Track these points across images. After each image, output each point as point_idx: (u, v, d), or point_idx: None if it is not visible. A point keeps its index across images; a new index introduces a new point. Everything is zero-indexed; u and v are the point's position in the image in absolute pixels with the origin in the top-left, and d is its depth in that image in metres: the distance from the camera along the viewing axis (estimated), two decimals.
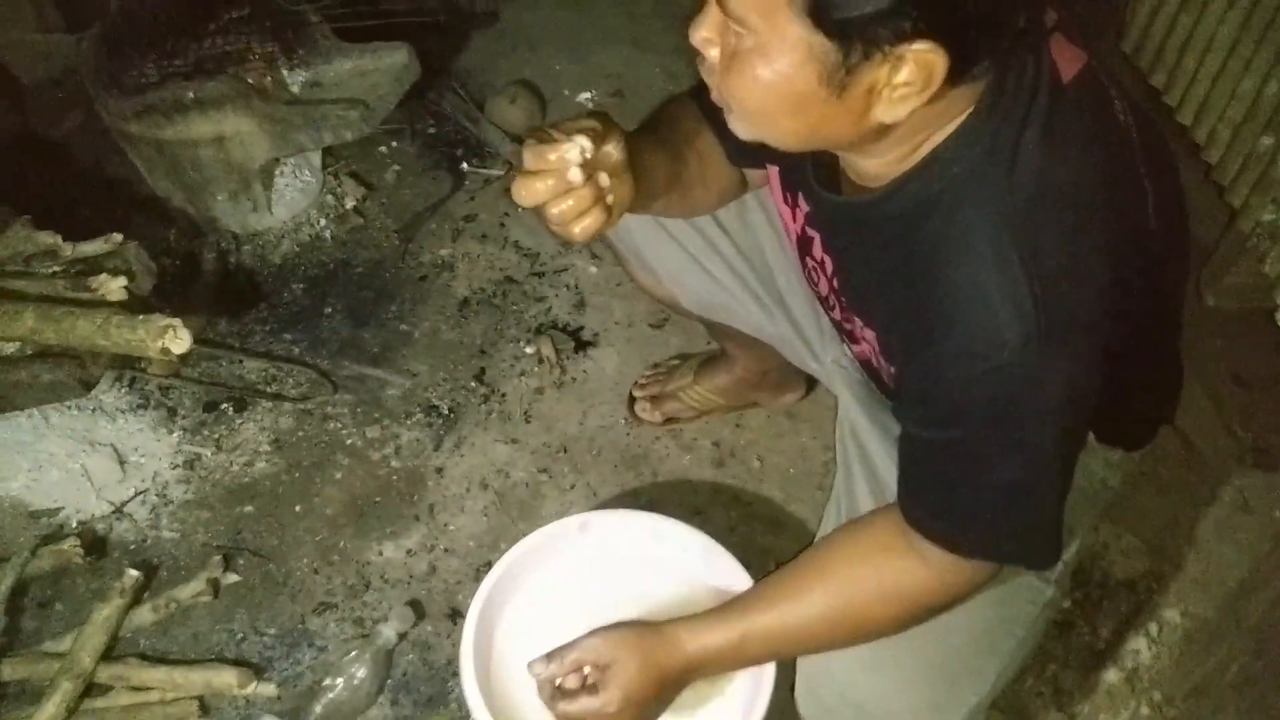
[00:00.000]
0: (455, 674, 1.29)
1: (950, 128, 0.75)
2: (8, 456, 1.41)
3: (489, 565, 1.13)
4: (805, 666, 1.00)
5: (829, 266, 0.96)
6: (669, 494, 1.49)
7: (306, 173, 1.79)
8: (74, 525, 1.41)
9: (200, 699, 1.25)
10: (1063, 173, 0.75)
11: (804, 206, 0.96)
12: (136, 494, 1.45)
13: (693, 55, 0.79)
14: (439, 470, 1.51)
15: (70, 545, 1.33)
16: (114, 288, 1.28)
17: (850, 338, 1.02)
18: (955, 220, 0.76)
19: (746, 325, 1.27)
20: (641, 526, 1.18)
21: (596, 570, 1.16)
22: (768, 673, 1.04)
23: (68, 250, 1.33)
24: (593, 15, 2.28)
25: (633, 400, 1.58)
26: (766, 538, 1.45)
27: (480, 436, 1.55)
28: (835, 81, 0.70)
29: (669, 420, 1.56)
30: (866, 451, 1.09)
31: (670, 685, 0.95)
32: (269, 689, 1.26)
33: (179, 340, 1.20)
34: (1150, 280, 0.85)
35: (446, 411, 1.58)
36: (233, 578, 1.37)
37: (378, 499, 1.48)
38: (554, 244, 1.81)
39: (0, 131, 1.84)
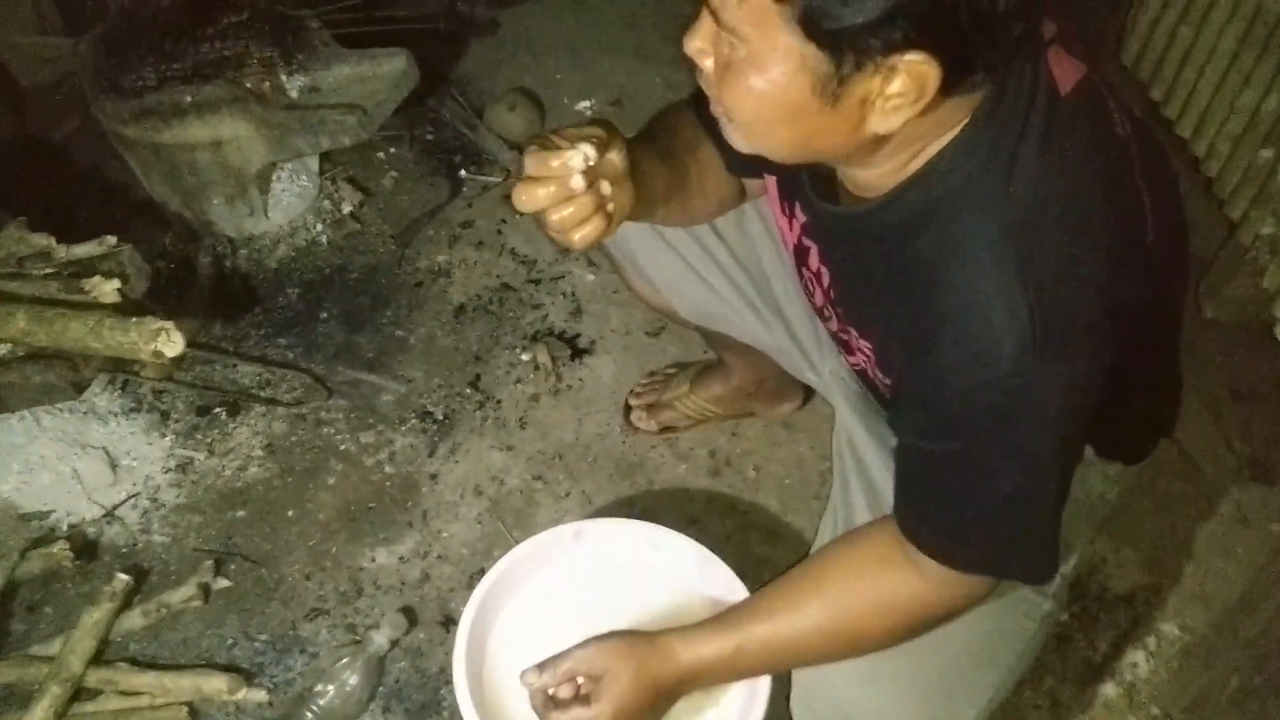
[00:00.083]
0: (448, 682, 1.28)
1: (947, 138, 0.75)
2: None
3: (483, 573, 1.12)
4: (801, 679, 1.00)
5: (825, 278, 0.96)
6: (665, 503, 1.48)
7: (304, 178, 1.79)
8: (64, 528, 1.40)
9: (190, 704, 1.24)
10: (1060, 183, 0.75)
11: (801, 217, 0.96)
12: (128, 497, 1.44)
13: (692, 65, 0.78)
14: (433, 477, 1.51)
15: (60, 548, 1.32)
16: (107, 290, 1.27)
17: (846, 349, 1.01)
18: (952, 230, 0.75)
19: (743, 335, 1.26)
20: (636, 535, 1.18)
21: (590, 579, 1.15)
22: (763, 684, 1.03)
23: (61, 252, 1.33)
24: (593, 24, 2.28)
25: (629, 409, 1.58)
26: (762, 547, 1.44)
27: (475, 443, 1.54)
28: (828, 92, 0.70)
29: (665, 429, 1.55)
30: (863, 462, 1.08)
31: (664, 696, 0.95)
32: (259, 695, 1.25)
33: (171, 343, 1.20)
34: (1149, 292, 0.84)
35: (441, 418, 1.57)
36: (224, 583, 1.36)
37: (371, 505, 1.47)
38: (551, 251, 1.81)
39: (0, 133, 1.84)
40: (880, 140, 0.74)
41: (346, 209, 1.84)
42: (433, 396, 1.60)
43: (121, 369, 1.49)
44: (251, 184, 1.70)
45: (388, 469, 1.51)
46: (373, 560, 1.41)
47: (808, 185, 0.89)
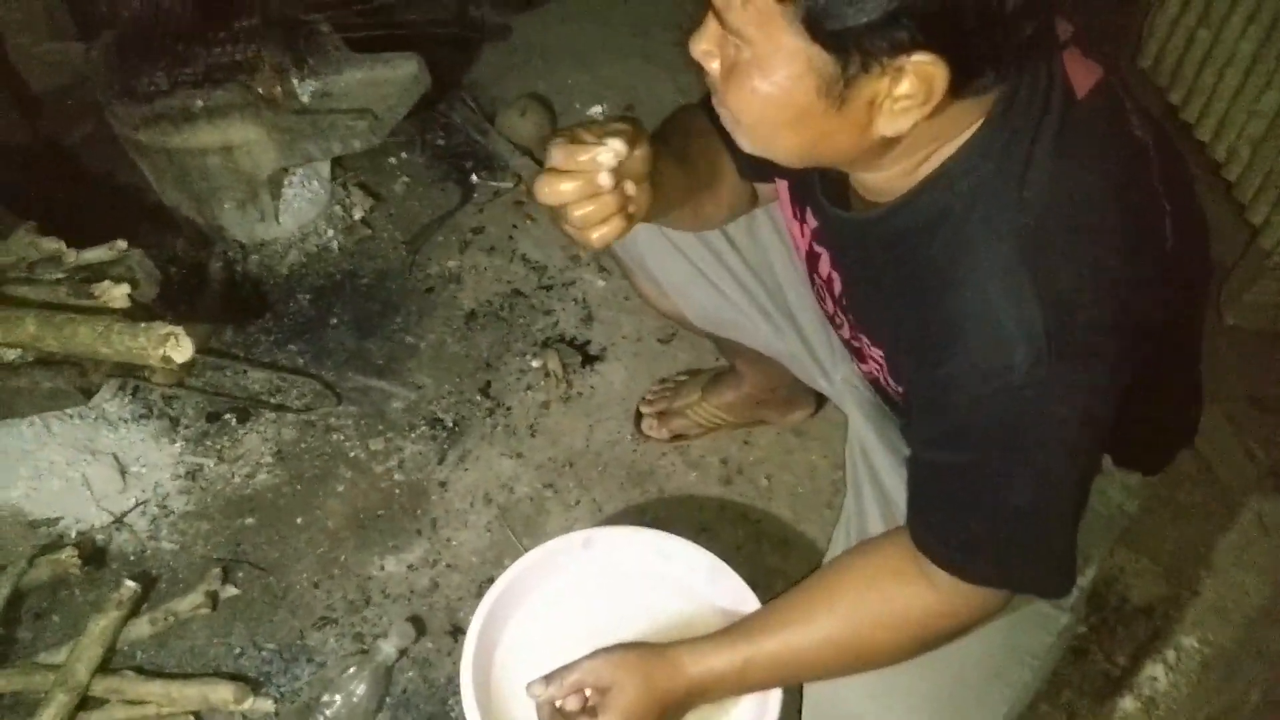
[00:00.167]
0: (456, 692, 1.27)
1: (959, 141, 0.74)
2: (8, 464, 1.40)
3: (491, 581, 1.11)
4: (812, 693, 0.98)
5: (837, 284, 0.95)
6: (675, 511, 1.47)
7: (315, 183, 1.79)
8: (73, 535, 1.40)
9: (196, 714, 1.23)
10: (1075, 188, 0.73)
11: (812, 222, 0.95)
12: (137, 504, 1.44)
13: (700, 68, 0.77)
14: (442, 484, 1.50)
15: (68, 555, 1.32)
16: (117, 295, 1.27)
17: (859, 356, 1.00)
18: (963, 236, 0.74)
19: (754, 341, 1.25)
20: (646, 544, 1.16)
21: (600, 588, 1.14)
22: (774, 698, 1.01)
23: (71, 257, 1.33)
24: (604, 29, 2.28)
25: (639, 416, 1.56)
26: (774, 557, 1.42)
27: (485, 450, 1.54)
28: (834, 94, 0.69)
29: (676, 437, 1.54)
30: (877, 472, 1.06)
31: (671, 710, 0.93)
32: (266, 705, 1.24)
33: (180, 348, 1.19)
34: (1168, 299, 0.82)
35: (451, 425, 1.56)
36: (232, 591, 1.35)
37: (380, 512, 1.46)
38: (562, 257, 1.80)
39: (12, 139, 1.85)
40: (889, 143, 0.73)
41: (358, 214, 1.84)
42: (443, 403, 1.59)
43: (132, 375, 1.49)
44: (263, 189, 1.69)
45: (397, 476, 1.50)
46: (381, 568, 1.40)
47: (819, 190, 0.88)
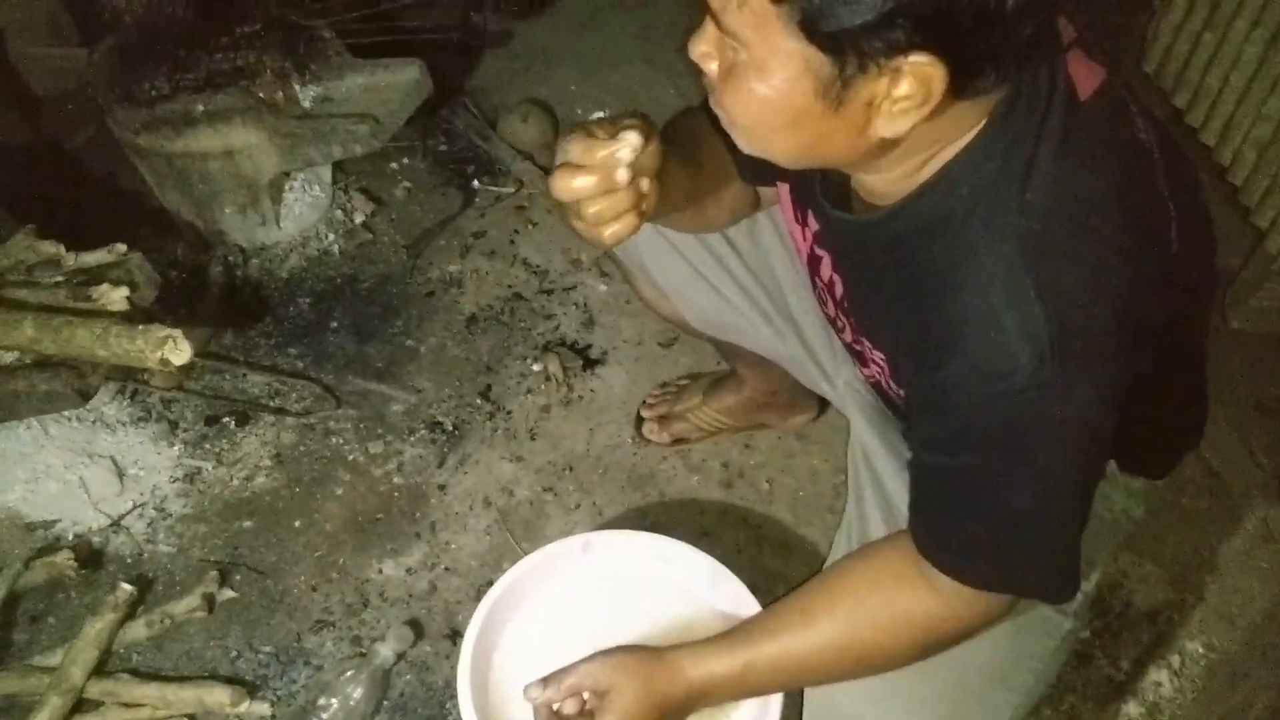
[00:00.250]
0: (454, 696, 1.25)
1: (960, 144, 0.73)
2: (5, 467, 1.39)
3: (491, 585, 1.10)
4: (812, 698, 0.97)
5: (838, 287, 0.94)
6: (676, 515, 1.46)
7: (316, 188, 1.79)
8: (70, 538, 1.39)
9: (192, 717, 1.22)
10: (1079, 191, 0.72)
11: (813, 225, 0.94)
12: (134, 507, 1.43)
13: (699, 72, 0.77)
14: (442, 488, 1.49)
15: (64, 558, 1.31)
16: (115, 298, 1.27)
17: (860, 360, 0.99)
18: (965, 239, 0.73)
19: (756, 345, 1.24)
20: (646, 547, 1.16)
21: (599, 592, 1.14)
22: (774, 702, 1.00)
23: (70, 260, 1.33)
24: (606, 35, 2.28)
25: (640, 420, 1.56)
26: (775, 561, 1.41)
27: (485, 454, 1.53)
28: (831, 95, 0.68)
29: (677, 441, 1.53)
30: (879, 475, 1.06)
31: (670, 714, 0.92)
32: (262, 708, 1.23)
33: (179, 351, 1.19)
34: (1173, 303, 0.81)
35: (451, 428, 1.56)
36: (229, 594, 1.35)
37: (379, 516, 1.45)
38: (563, 261, 1.79)
39: (14, 144, 1.85)
40: (888, 144, 0.72)
41: (359, 219, 1.84)
42: (443, 407, 1.58)
43: (131, 378, 1.48)
44: (263, 193, 1.69)
45: (396, 480, 1.49)
46: (379, 572, 1.40)
47: (820, 192, 0.88)
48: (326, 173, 1.79)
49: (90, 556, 1.37)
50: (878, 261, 0.83)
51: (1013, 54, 0.67)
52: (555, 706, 0.93)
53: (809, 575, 0.95)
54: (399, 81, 1.69)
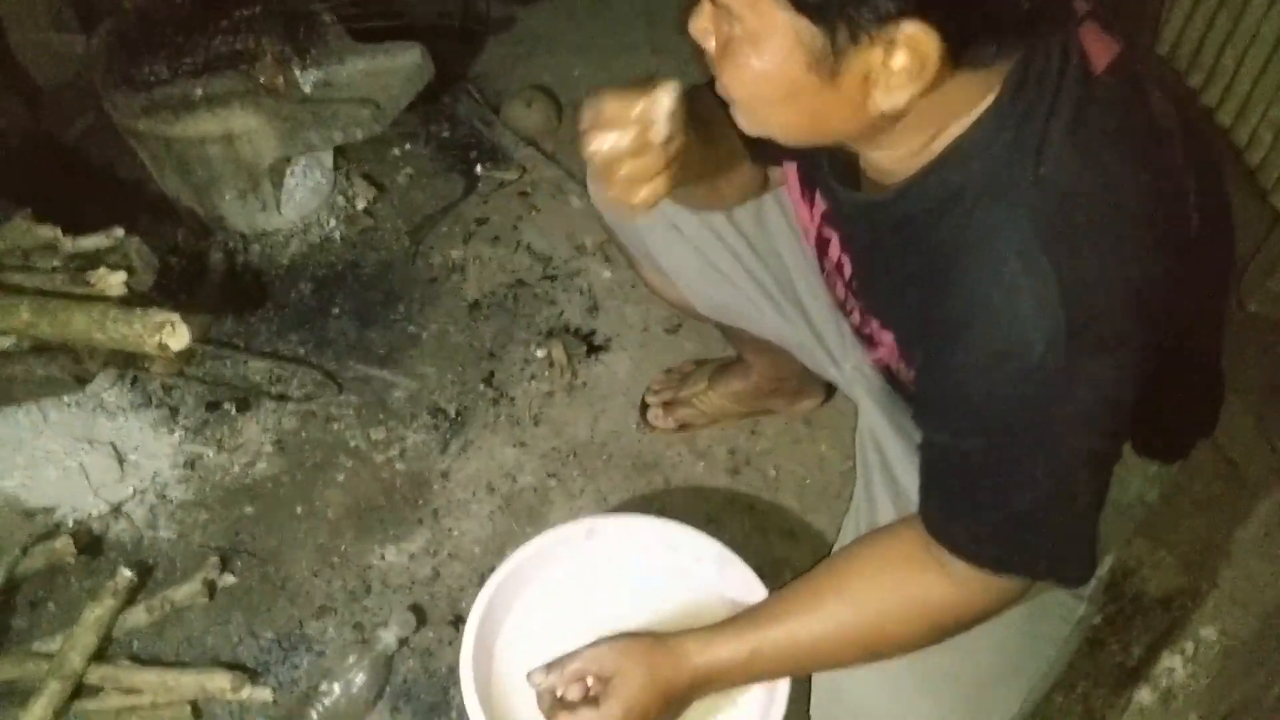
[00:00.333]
0: (457, 682, 1.24)
1: (969, 119, 0.71)
2: (4, 453, 1.38)
3: (494, 571, 1.08)
4: (820, 684, 0.96)
5: (846, 269, 0.92)
6: (681, 502, 1.45)
7: (317, 173, 1.77)
8: (70, 524, 1.38)
9: (193, 703, 1.21)
10: (1094, 166, 0.70)
11: (821, 205, 0.93)
12: (134, 493, 1.42)
13: (700, 50, 0.76)
14: (444, 474, 1.48)
15: (63, 544, 1.30)
16: (113, 282, 1.26)
17: (870, 343, 0.97)
18: (976, 217, 0.71)
19: (762, 329, 1.22)
20: (651, 532, 1.14)
21: (603, 577, 1.12)
22: (781, 687, 0.99)
23: (68, 244, 1.32)
24: (610, 21, 2.25)
25: (645, 406, 1.54)
26: (782, 548, 1.40)
27: (488, 440, 1.51)
28: (825, 68, 0.67)
29: (682, 427, 1.52)
30: (888, 459, 1.04)
31: (676, 700, 0.91)
32: (264, 694, 1.22)
33: (177, 336, 1.18)
34: (1191, 281, 0.79)
35: (454, 414, 1.54)
36: (230, 580, 1.34)
37: (381, 502, 1.44)
38: (567, 248, 1.78)
39: (14, 131, 1.84)
40: (890, 119, 0.71)
41: (360, 205, 1.82)
42: (445, 393, 1.57)
43: (132, 365, 1.47)
44: (264, 178, 1.68)
45: (398, 466, 1.48)
46: (382, 558, 1.38)
47: (827, 171, 0.86)
48: (328, 158, 1.78)
49: (90, 543, 1.36)
50: (887, 242, 0.82)
51: (1013, 24, 0.66)
52: (559, 692, 0.92)
53: (816, 562, 0.93)
54: (400, 66, 1.67)
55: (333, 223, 1.79)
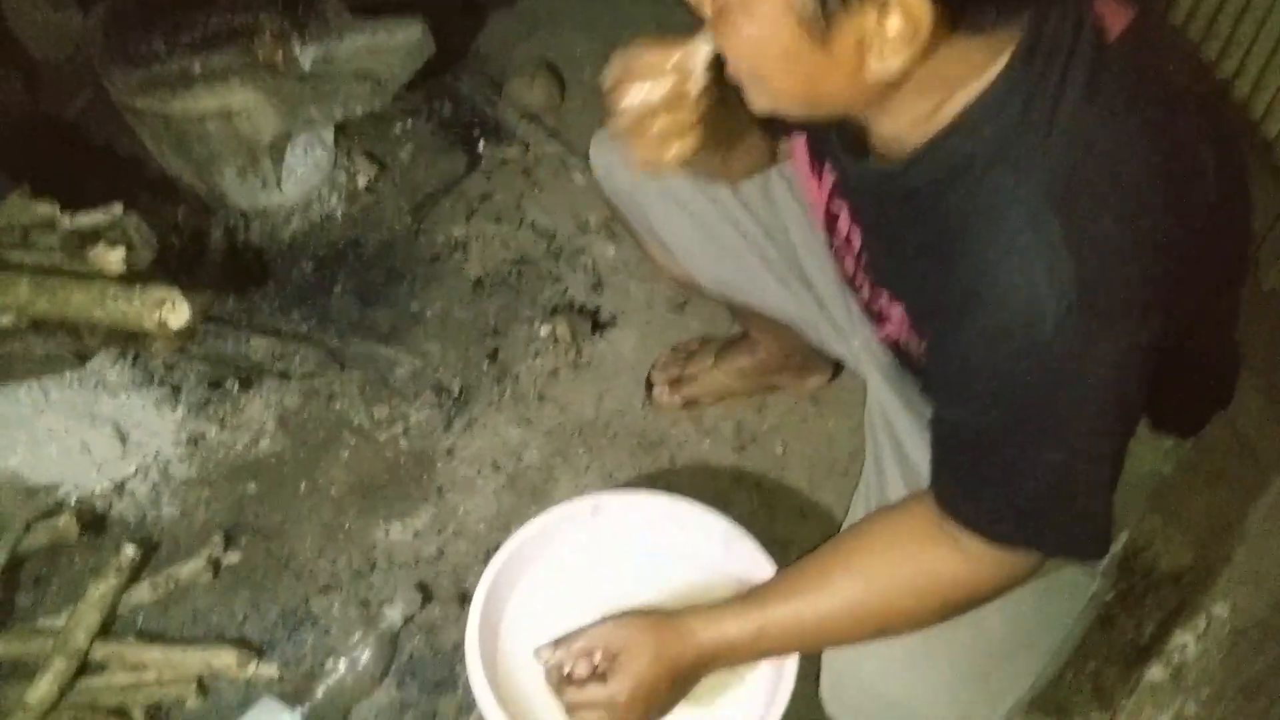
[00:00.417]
0: (463, 659, 1.23)
1: (978, 87, 0.69)
2: (6, 431, 1.38)
3: (499, 548, 1.08)
4: (830, 661, 0.95)
5: (856, 242, 0.91)
6: (688, 480, 1.44)
7: (318, 150, 1.75)
8: (73, 502, 1.37)
9: (199, 679, 1.21)
10: (1108, 134, 0.68)
11: (830, 177, 0.91)
12: (137, 471, 1.41)
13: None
14: (449, 451, 1.47)
15: (65, 521, 1.30)
16: (112, 259, 1.24)
17: (879, 318, 0.96)
18: (986, 185, 0.70)
19: (768, 306, 1.21)
20: (658, 509, 1.13)
21: (609, 554, 1.11)
22: (789, 665, 0.98)
23: (66, 221, 1.30)
24: None
25: (650, 384, 1.53)
26: (789, 527, 1.39)
27: (492, 418, 1.50)
28: (816, 31, 0.65)
29: (688, 404, 1.51)
30: (898, 435, 1.03)
31: (683, 677, 0.90)
32: (270, 670, 1.22)
33: (176, 313, 1.17)
34: (1206, 253, 0.77)
35: (457, 392, 1.53)
36: (234, 557, 1.33)
37: (385, 480, 1.44)
38: (571, 224, 1.76)
39: (12, 109, 1.82)
40: (889, 86, 0.69)
41: (362, 182, 1.80)
42: (449, 370, 1.56)
43: (133, 344, 1.46)
44: (264, 155, 1.66)
45: (402, 443, 1.47)
46: (386, 535, 1.38)
47: (836, 142, 0.84)
48: (328, 135, 1.76)
49: (93, 520, 1.36)
50: (896, 213, 0.80)
51: None
52: (567, 668, 0.91)
53: (823, 540, 0.92)
54: (401, 41, 1.65)
55: (334, 200, 1.77)
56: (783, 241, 1.15)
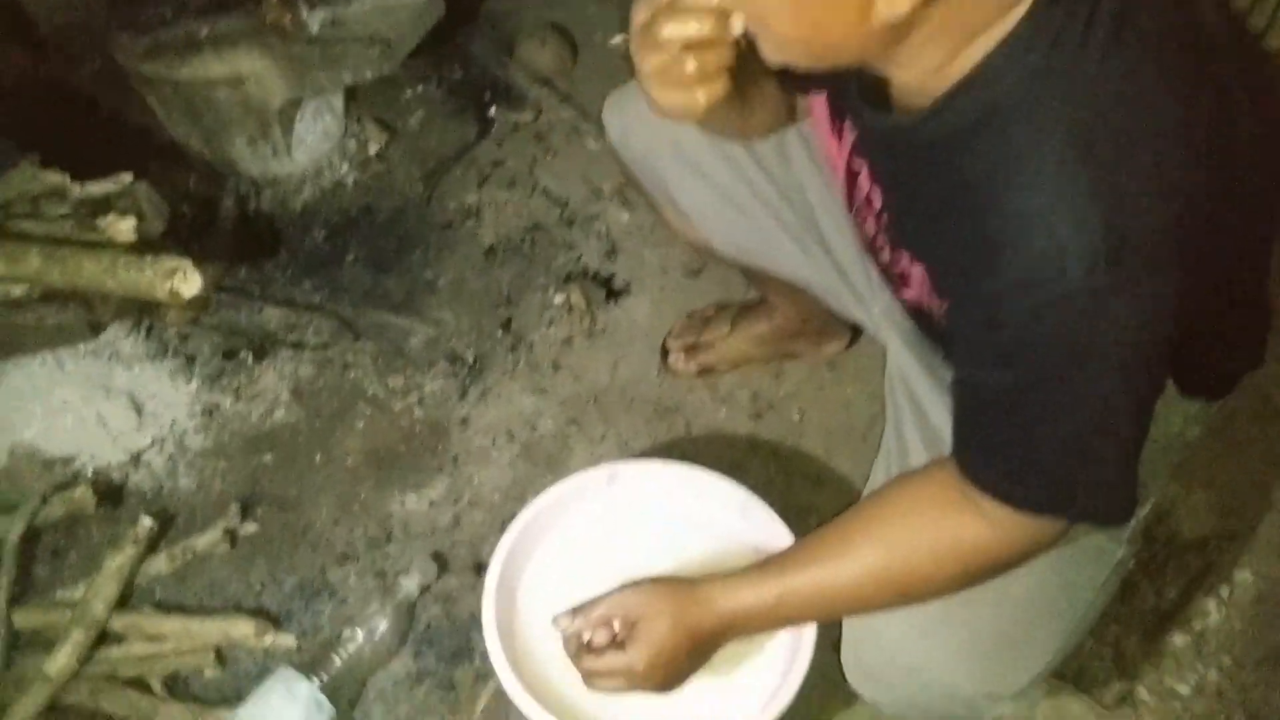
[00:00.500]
0: (480, 628, 1.23)
1: (998, 32, 0.67)
2: (21, 403, 1.38)
3: (515, 517, 1.07)
4: (851, 628, 0.94)
5: (876, 201, 0.88)
6: (704, 448, 1.43)
7: (328, 117, 1.74)
8: (89, 473, 1.38)
9: (216, 649, 1.21)
10: (1136, 80, 0.66)
11: (850, 134, 0.89)
12: (153, 442, 1.41)
13: None
14: (464, 421, 1.46)
15: (82, 493, 1.30)
16: (123, 229, 1.24)
17: (899, 281, 0.94)
18: (1009, 135, 0.67)
19: (785, 269, 1.19)
20: (674, 478, 1.12)
21: (625, 523, 1.10)
22: (808, 633, 0.97)
23: (76, 190, 1.29)
24: None
25: (666, 351, 1.51)
26: (807, 495, 1.38)
27: (507, 386, 1.49)
28: None
29: (704, 371, 1.49)
30: (918, 400, 1.01)
31: (702, 644, 0.90)
32: (287, 640, 1.22)
33: (188, 282, 1.16)
34: (1238, 204, 0.75)
35: (472, 361, 1.52)
36: (251, 527, 1.33)
37: (400, 449, 1.43)
38: (584, 191, 1.74)
39: (20, 78, 1.80)
40: (899, 31, 0.66)
41: (373, 149, 1.78)
42: (463, 339, 1.55)
43: (147, 314, 1.46)
44: (274, 122, 1.64)
45: (417, 413, 1.47)
46: (402, 505, 1.38)
47: (857, 95, 0.82)
48: (338, 101, 1.74)
49: (110, 492, 1.36)
50: (918, 167, 0.78)
51: None
52: (585, 636, 0.91)
53: (841, 509, 0.91)
54: (409, 4, 1.63)
55: (345, 167, 1.76)
56: (800, 204, 1.13)
